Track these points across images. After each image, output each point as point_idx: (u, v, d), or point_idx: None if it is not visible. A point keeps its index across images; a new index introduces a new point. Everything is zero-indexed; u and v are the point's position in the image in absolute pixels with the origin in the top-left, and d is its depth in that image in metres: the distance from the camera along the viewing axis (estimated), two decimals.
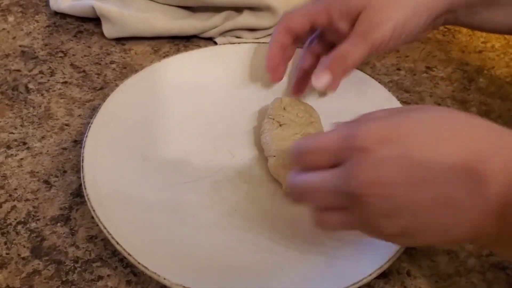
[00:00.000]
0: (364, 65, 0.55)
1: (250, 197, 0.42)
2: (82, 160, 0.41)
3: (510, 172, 0.26)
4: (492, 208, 0.27)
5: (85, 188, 0.39)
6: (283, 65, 0.47)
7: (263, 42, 0.56)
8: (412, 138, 0.27)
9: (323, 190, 0.29)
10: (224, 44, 0.57)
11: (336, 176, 0.28)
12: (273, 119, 0.44)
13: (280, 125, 0.43)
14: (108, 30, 0.57)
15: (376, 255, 0.35)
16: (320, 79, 0.41)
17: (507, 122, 0.52)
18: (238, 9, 0.58)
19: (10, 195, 0.43)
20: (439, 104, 0.53)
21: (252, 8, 0.58)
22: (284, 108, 0.44)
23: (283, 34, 0.45)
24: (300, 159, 0.31)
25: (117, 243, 0.35)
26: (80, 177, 0.40)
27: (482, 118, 0.29)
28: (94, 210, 0.37)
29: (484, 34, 0.62)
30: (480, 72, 0.57)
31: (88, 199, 0.38)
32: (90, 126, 0.43)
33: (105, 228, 0.36)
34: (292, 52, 0.47)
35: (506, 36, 0.62)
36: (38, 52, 0.57)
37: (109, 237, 0.36)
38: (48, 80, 0.53)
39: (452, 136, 0.27)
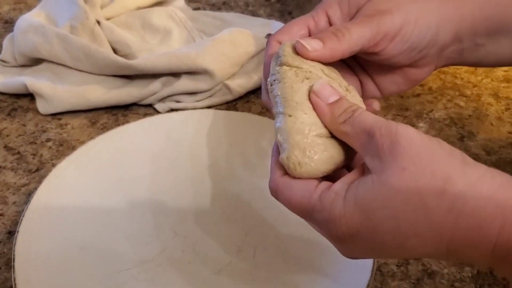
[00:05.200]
0: None
1: (194, 280, 0.40)
2: (13, 259, 0.39)
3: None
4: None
5: None
6: None
7: (201, 108, 0.56)
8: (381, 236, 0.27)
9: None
10: (163, 110, 0.57)
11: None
12: (296, 68, 0.33)
13: (307, 79, 0.33)
14: (43, 106, 0.56)
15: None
16: (307, 42, 0.33)
17: None
18: (176, 74, 0.58)
19: None
20: None
21: (190, 72, 0.57)
22: (299, 56, 0.34)
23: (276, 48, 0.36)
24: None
25: None
26: None
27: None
28: None
29: None
30: (419, 116, 0.58)
31: None
32: (21, 219, 0.41)
33: None
34: None
35: (442, 77, 0.64)
36: None
37: None
38: None
39: (420, 234, 0.26)
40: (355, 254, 0.30)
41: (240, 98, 0.59)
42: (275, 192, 0.31)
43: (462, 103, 0.60)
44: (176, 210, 0.45)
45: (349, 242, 0.28)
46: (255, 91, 0.60)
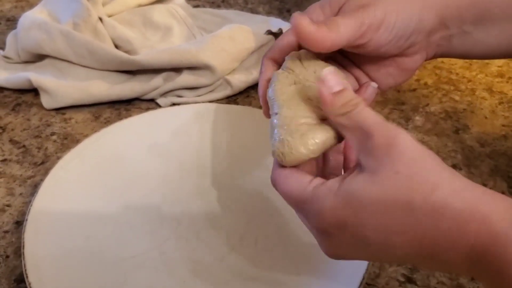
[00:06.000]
0: None
1: (198, 267, 0.41)
2: (23, 246, 0.40)
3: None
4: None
5: (26, 277, 0.38)
6: None
7: (202, 102, 0.57)
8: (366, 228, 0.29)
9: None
10: (165, 104, 0.58)
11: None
12: (290, 70, 0.36)
13: (295, 83, 0.35)
14: (47, 101, 0.57)
15: None
16: (296, 18, 0.33)
17: (445, 159, 0.54)
18: (177, 70, 0.59)
19: None
20: None
21: (191, 68, 0.58)
22: (300, 61, 0.36)
23: (269, 68, 0.38)
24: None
25: None
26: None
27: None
28: None
29: (417, 71, 0.65)
30: (415, 110, 0.60)
31: None
32: (30, 208, 0.43)
33: None
34: None
35: (437, 71, 0.65)
36: None
37: None
38: None
39: (404, 232, 0.28)
40: (338, 251, 0.31)
41: (240, 93, 0.61)
42: (274, 184, 0.34)
43: (457, 97, 0.62)
44: (179, 200, 0.47)
45: (335, 236, 0.30)
46: (255, 86, 0.62)
